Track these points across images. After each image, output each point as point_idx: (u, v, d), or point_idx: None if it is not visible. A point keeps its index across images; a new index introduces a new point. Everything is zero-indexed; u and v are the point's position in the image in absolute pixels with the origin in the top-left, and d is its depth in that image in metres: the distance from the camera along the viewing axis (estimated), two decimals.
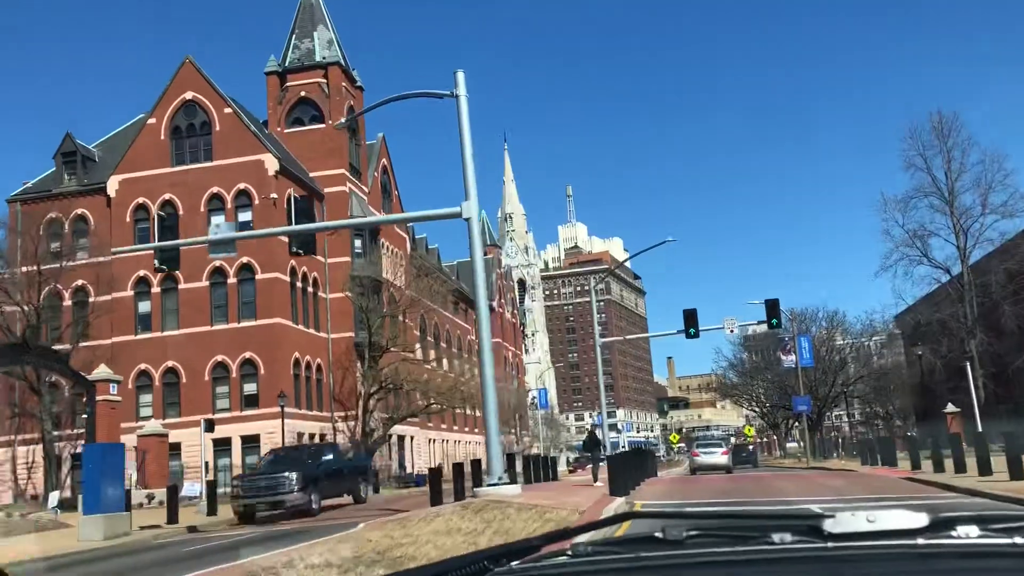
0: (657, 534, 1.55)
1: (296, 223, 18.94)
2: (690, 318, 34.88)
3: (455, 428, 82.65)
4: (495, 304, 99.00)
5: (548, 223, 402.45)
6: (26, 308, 44.25)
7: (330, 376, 54.58)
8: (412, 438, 66.23)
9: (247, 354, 48.60)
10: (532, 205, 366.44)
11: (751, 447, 76.38)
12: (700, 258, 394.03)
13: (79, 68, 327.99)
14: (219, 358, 48.81)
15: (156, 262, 20.19)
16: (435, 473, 21.87)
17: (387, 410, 54.92)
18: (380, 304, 57.92)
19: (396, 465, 61.77)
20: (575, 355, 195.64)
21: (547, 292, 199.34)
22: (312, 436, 51.50)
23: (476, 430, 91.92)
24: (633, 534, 1.64)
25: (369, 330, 53.24)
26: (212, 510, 29.48)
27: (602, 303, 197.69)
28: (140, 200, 50.84)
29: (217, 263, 49.44)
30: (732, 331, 37.92)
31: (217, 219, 49.85)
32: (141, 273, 50.22)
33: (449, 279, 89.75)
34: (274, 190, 49.89)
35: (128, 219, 50.95)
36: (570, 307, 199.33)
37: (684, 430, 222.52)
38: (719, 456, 42.85)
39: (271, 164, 50.23)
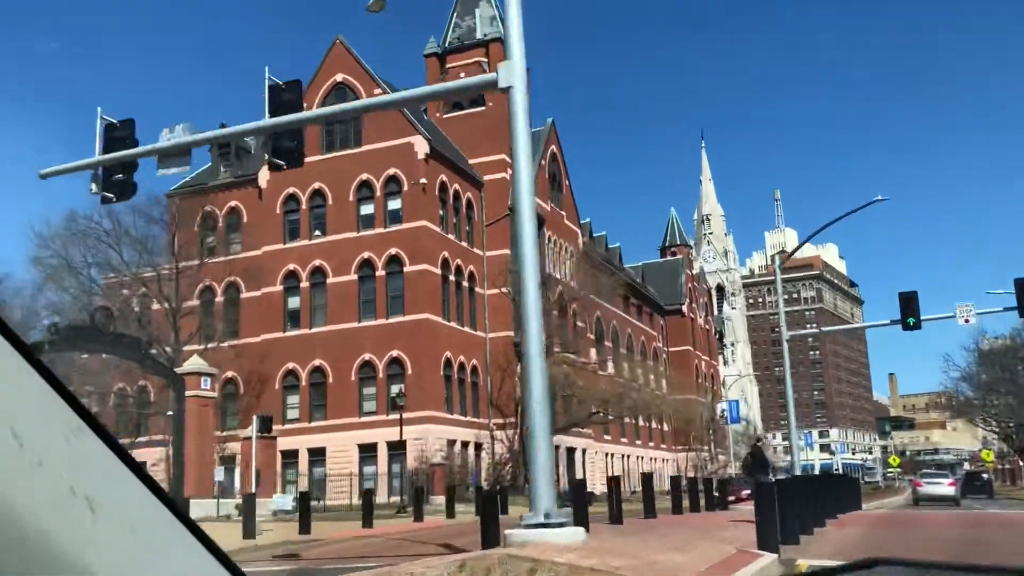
0: None
1: (274, 115, 13.68)
2: (908, 304, 26.74)
3: (638, 442, 75.74)
4: (684, 308, 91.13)
5: (754, 230, 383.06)
6: (167, 305, 42.62)
7: (487, 379, 49.67)
8: (584, 451, 60.15)
9: (394, 352, 44.65)
10: (736, 211, 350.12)
11: (985, 475, 64.60)
12: (927, 265, 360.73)
13: (230, 56, 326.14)
14: (366, 356, 45.19)
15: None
16: (488, 498, 15.35)
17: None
18: (545, 301, 52.46)
19: (565, 480, 55.98)
20: (782, 369, 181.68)
21: (750, 300, 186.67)
22: (465, 444, 46.80)
23: (664, 445, 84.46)
24: None
25: None
26: (305, 527, 24.92)
27: (813, 312, 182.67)
28: (290, 190, 48.42)
29: (366, 255, 46.13)
30: (967, 320, 29.10)
31: (366, 207, 46.52)
32: (291, 267, 47.73)
33: (633, 282, 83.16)
34: (424, 175, 45.79)
35: (278, 210, 48.68)
36: (776, 317, 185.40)
37: (908, 453, 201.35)
38: (945, 487, 38.87)
39: (421, 147, 46.20)
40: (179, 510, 1.10)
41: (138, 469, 1.06)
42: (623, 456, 73.72)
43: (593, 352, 65.93)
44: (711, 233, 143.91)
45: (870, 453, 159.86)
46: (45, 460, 0.94)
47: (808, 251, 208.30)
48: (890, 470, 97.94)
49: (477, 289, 50.40)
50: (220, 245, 50.08)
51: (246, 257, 48.31)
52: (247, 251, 48.81)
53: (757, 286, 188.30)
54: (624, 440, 72.05)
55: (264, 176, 49.14)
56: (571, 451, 58.08)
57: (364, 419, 44.60)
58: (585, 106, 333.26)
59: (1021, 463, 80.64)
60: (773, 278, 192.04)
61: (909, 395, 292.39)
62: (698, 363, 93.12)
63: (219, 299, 49.40)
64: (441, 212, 47.82)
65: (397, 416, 43.84)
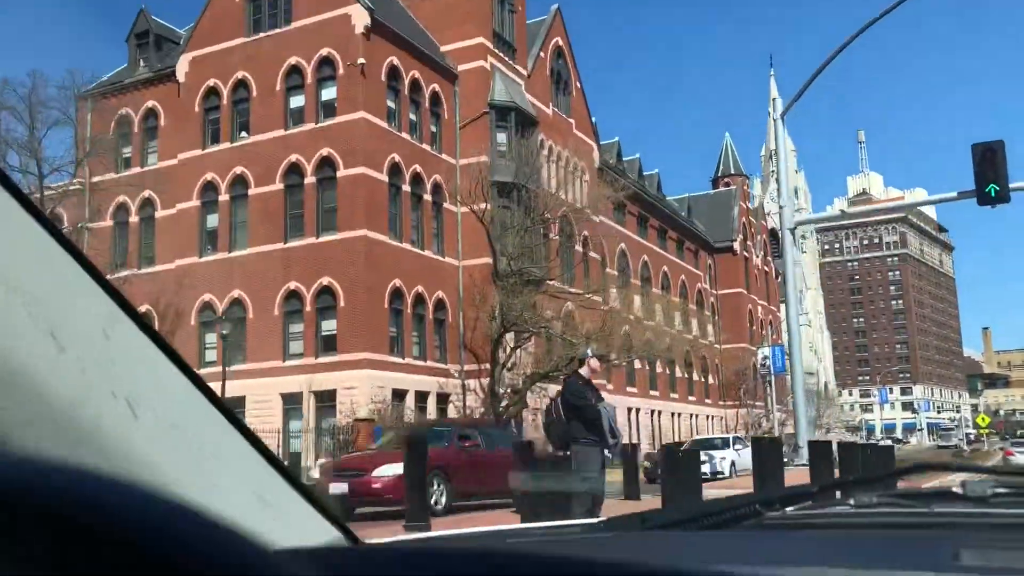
0: (956, 489, 1.37)
1: None
2: (989, 161, 15.89)
3: (674, 396, 65.34)
4: (736, 245, 79.57)
5: (837, 174, 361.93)
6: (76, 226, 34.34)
7: (459, 316, 40.06)
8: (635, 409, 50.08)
9: (325, 280, 35.37)
10: (817, 154, 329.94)
11: None
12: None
13: None
14: (292, 286, 36.06)
15: None
16: None
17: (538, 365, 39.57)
18: (537, 225, 42.51)
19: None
20: (860, 320, 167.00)
21: (826, 246, 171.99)
22: (424, 395, 37.46)
23: (708, 400, 73.82)
24: (926, 488, 1.49)
25: (508, 256, 38.15)
26: None
27: (895, 258, 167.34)
28: (211, 83, 39.27)
29: (294, 158, 36.82)
30: None
31: (296, 100, 37.30)
32: (209, 177, 38.77)
33: (675, 214, 72.08)
34: (364, 55, 35.98)
35: (197, 108, 39.63)
36: (855, 264, 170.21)
37: (1002, 413, 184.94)
38: None
39: (359, 19, 36.29)
40: (223, 405, 1.02)
41: (178, 360, 0.98)
42: (669, 414, 63.51)
43: (614, 291, 55.70)
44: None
45: (958, 412, 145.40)
46: (86, 363, 0.87)
47: (893, 194, 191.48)
48: (978, 431, 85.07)
49: (447, 205, 40.62)
50: (137, 153, 41.47)
51: (160, 168, 39.59)
52: (164, 160, 40.07)
53: (834, 230, 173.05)
54: (668, 395, 61.84)
55: (183, 67, 40.09)
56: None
57: (290, 363, 35.66)
58: (632, 23, 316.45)
59: None
60: (852, 221, 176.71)
61: (1005, 351, 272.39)
62: (752, 308, 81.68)
63: (134, 219, 40.95)
64: (392, 104, 38.04)
65: (328, 359, 34.90)
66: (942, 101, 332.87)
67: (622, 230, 59.44)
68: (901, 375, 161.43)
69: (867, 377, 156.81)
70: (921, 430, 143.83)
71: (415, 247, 38.54)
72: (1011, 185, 16.38)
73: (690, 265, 72.85)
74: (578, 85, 52.58)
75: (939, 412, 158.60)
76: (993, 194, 16.15)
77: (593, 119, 56.69)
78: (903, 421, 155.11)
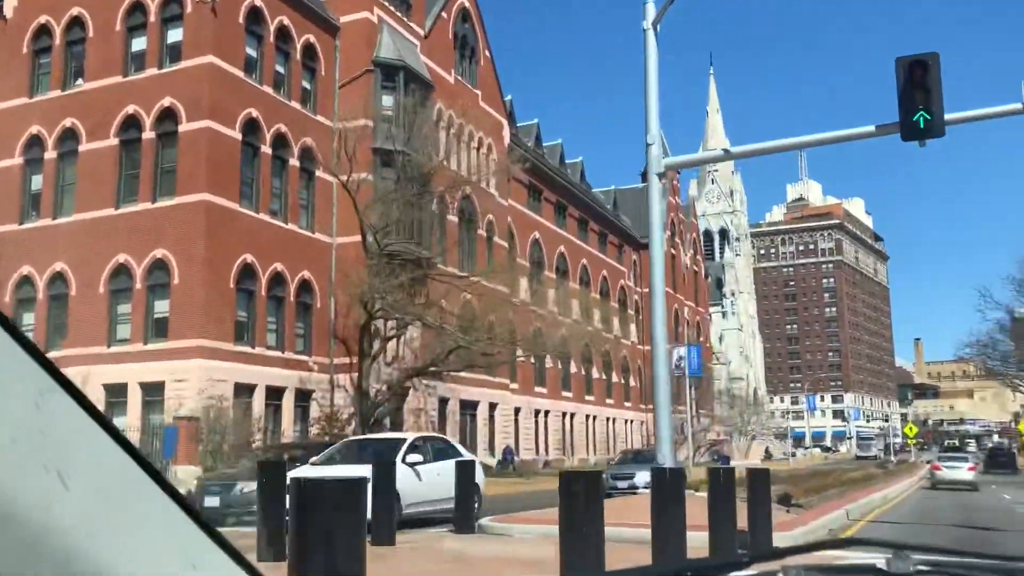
0: (880, 564, 1.41)
1: None
2: (917, 75, 11.55)
3: (590, 398, 60.99)
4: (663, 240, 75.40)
5: (775, 184, 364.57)
6: None
7: (331, 301, 34.95)
8: (494, 406, 45.52)
9: (159, 252, 30.01)
10: (755, 162, 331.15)
11: (1010, 449, 63.43)
12: (960, 225, 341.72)
13: None
14: (121, 259, 30.60)
15: None
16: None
17: (423, 359, 34.74)
18: (426, 201, 37.69)
19: (484, 445, 41.53)
20: (794, 327, 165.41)
21: (762, 251, 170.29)
22: (278, 391, 32.31)
23: (628, 403, 69.69)
24: (852, 562, 1.51)
25: (375, 231, 33.24)
26: None
27: (830, 265, 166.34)
28: (43, 20, 33.57)
29: (131, 109, 31.35)
30: None
31: (138, 41, 31.83)
32: (34, 130, 33.07)
33: (600, 208, 67.88)
34: None
35: (26, 49, 33.89)
36: (790, 269, 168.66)
37: (931, 423, 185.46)
38: (964, 471, 34.68)
39: None
40: (154, 470, 1.02)
41: (110, 427, 0.98)
42: (584, 416, 59.12)
43: (524, 282, 51.19)
44: (716, 171, 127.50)
45: (887, 421, 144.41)
46: (17, 435, 0.86)
47: (830, 202, 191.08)
48: (906, 441, 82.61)
49: (320, 173, 35.47)
50: None
51: None
52: None
53: (770, 235, 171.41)
54: (583, 397, 57.37)
55: (11, 1, 34.32)
56: (472, 407, 43.45)
57: (115, 349, 30.21)
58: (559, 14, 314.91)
59: None
60: (788, 227, 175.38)
61: (935, 362, 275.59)
62: (679, 308, 77.92)
63: None
64: (252, 52, 32.84)
65: (160, 346, 29.59)
66: (878, 111, 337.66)
67: (537, 217, 54.91)
68: (832, 383, 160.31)
69: (799, 384, 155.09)
70: (851, 438, 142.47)
71: (276, 219, 33.37)
72: (947, 116, 11.99)
73: (613, 260, 68.70)
74: (487, 54, 47.84)
75: (869, 421, 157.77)
76: (922, 124, 11.75)
77: (508, 97, 52.14)
78: (833, 429, 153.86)
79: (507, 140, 49.09)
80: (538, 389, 52.75)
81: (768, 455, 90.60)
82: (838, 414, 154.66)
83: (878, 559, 1.41)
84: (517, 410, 49.24)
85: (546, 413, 53.47)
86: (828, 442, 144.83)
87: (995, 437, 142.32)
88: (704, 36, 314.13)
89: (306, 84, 35.74)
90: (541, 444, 52.50)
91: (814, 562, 1.59)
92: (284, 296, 33.22)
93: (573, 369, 58.25)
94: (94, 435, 0.93)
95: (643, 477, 27.14)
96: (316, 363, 33.99)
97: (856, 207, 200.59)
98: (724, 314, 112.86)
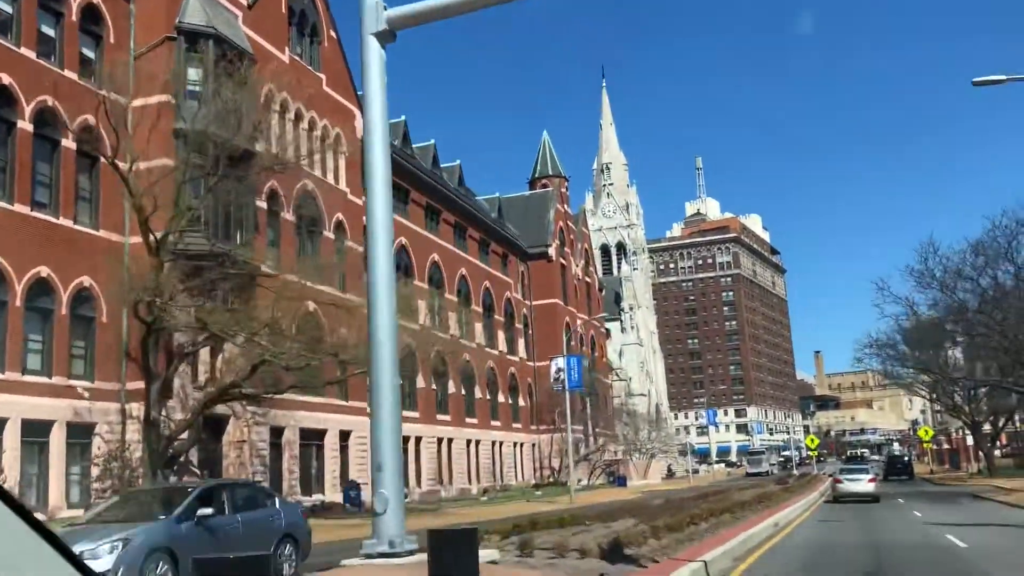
0: None
1: None
2: None
3: (471, 421, 55.51)
4: (552, 251, 71.23)
5: (674, 202, 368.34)
6: None
7: (123, 313, 28.59)
8: (347, 435, 39.66)
9: None
10: (654, 181, 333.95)
11: (906, 458, 70.45)
12: (855, 242, 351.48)
13: None
14: None
15: None
16: None
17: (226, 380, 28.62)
18: (246, 195, 31.97)
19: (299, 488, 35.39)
20: (695, 342, 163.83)
21: (661, 266, 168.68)
22: (43, 427, 25.79)
23: (517, 425, 64.50)
24: None
25: (211, 226, 27.27)
26: None
27: (729, 279, 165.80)
28: None
29: None
30: None
31: None
32: None
33: (481, 215, 62.97)
34: None
35: None
36: (689, 284, 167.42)
37: (833, 433, 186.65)
38: (865, 484, 34.22)
39: None
40: (59, 542, 1.05)
41: (10, 499, 0.99)
42: (464, 442, 53.58)
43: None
44: (611, 184, 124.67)
45: (790, 434, 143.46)
46: None
47: (725, 215, 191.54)
48: (810, 452, 79.89)
49: (106, 159, 29.17)
50: None
51: None
52: None
53: (668, 251, 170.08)
54: (463, 420, 51.78)
55: None
56: (319, 438, 37.48)
57: None
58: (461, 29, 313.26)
59: (968, 441, 62.91)
60: (686, 242, 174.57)
61: (835, 374, 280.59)
62: (570, 320, 73.43)
63: None
64: (5, 6, 26.59)
65: None
66: (781, 131, 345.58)
67: (403, 221, 49.42)
68: (736, 397, 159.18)
69: (703, 399, 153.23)
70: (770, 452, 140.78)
71: (42, 212, 26.99)
72: None
73: (496, 271, 63.69)
74: (332, 34, 42.35)
75: (772, 434, 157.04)
76: None
77: (361, 93, 46.68)
78: (738, 444, 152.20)
79: (359, 131, 43.48)
80: (407, 413, 47.00)
81: (670, 473, 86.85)
82: (742, 428, 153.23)
83: None
84: (418, 439, 43.41)
85: (417, 440, 47.76)
86: (734, 457, 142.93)
87: (895, 445, 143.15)
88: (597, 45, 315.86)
89: (88, 52, 29.57)
90: (412, 475, 46.72)
91: None
92: (53, 308, 26.78)
93: (452, 389, 52.79)
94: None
95: None
96: (95, 389, 27.57)
97: (754, 223, 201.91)
98: (623, 329, 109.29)
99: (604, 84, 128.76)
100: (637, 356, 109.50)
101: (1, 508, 0.90)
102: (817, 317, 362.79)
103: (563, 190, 77.42)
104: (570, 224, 77.60)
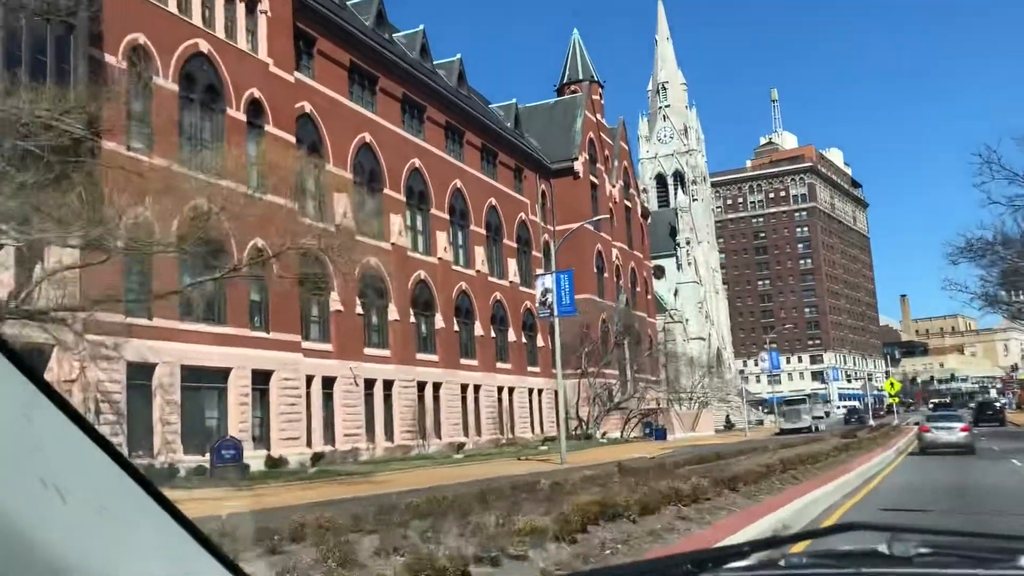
0: (882, 548, 1.45)
1: None
2: None
3: (473, 362, 46.12)
4: (578, 166, 60.84)
5: (749, 141, 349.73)
6: None
7: None
8: (268, 376, 30.63)
9: None
10: (732, 114, 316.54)
11: (998, 403, 70.29)
12: (942, 173, 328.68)
13: None
14: None
15: None
16: None
17: None
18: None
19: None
20: (767, 283, 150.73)
21: (729, 201, 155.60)
22: None
23: (535, 367, 55.06)
24: (854, 548, 1.53)
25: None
26: None
27: (803, 213, 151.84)
28: None
29: None
30: None
31: None
32: None
33: (485, 118, 53.13)
34: None
35: None
36: (760, 220, 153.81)
37: (920, 382, 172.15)
38: (957, 433, 29.17)
39: None
40: (149, 483, 1.07)
41: (104, 442, 1.02)
42: (459, 387, 44.53)
43: (345, 199, 36.26)
44: (668, 106, 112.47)
45: (873, 381, 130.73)
46: (14, 451, 0.89)
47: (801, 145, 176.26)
48: (890, 399, 68.34)
49: None
50: None
51: None
52: None
53: (737, 183, 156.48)
54: (456, 361, 42.53)
55: None
56: (254, 377, 28.50)
57: None
58: None
59: None
60: (757, 173, 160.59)
61: (922, 319, 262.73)
62: (604, 250, 63.16)
63: None
64: None
65: None
66: (863, 64, 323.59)
67: (365, 112, 39.82)
68: (811, 342, 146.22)
69: (775, 345, 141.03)
70: (830, 402, 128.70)
71: None
72: None
73: (507, 187, 53.73)
74: None
75: (850, 381, 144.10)
76: None
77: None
78: (813, 392, 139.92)
79: None
80: (375, 351, 37.91)
81: (729, 425, 76.36)
82: (818, 376, 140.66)
83: (879, 544, 1.42)
84: (331, 381, 34.44)
85: (388, 384, 38.62)
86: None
87: (993, 392, 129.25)
88: None
89: None
90: (380, 426, 37.73)
91: (813, 549, 1.63)
92: None
93: (440, 324, 43.43)
94: (86, 448, 0.95)
95: None
96: None
97: (835, 156, 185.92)
98: (679, 266, 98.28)
99: None
100: (695, 296, 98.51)
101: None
102: (903, 260, 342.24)
103: (596, 96, 66.57)
104: (604, 137, 66.81)
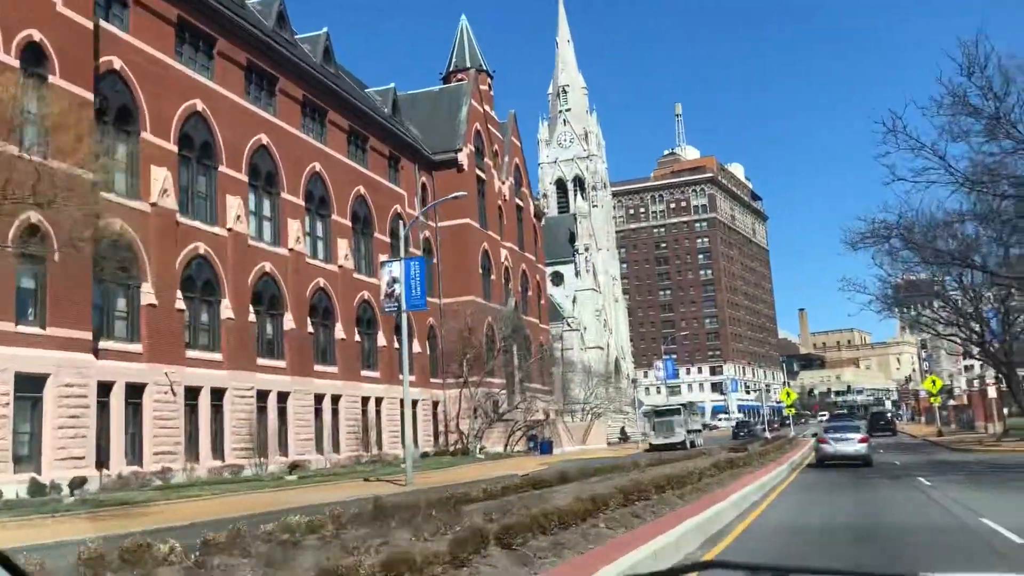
0: None
1: None
2: None
3: (364, 373, 40.83)
4: (462, 157, 56.34)
5: (653, 153, 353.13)
6: None
7: None
8: (42, 382, 24.88)
9: None
10: (635, 128, 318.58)
11: (889, 414, 77.19)
12: (841, 187, 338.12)
13: None
14: None
15: None
16: None
17: None
18: None
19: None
20: (667, 293, 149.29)
21: (631, 211, 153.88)
22: None
23: (409, 376, 50.14)
24: None
25: None
26: None
27: (704, 224, 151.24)
28: None
29: None
30: None
31: None
32: None
33: (350, 95, 48.23)
34: None
35: None
36: (661, 229, 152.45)
37: (817, 394, 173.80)
38: (855, 444, 28.06)
39: None
40: None
41: None
42: (310, 397, 39.24)
43: (166, 173, 30.75)
44: (568, 110, 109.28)
45: (770, 393, 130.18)
46: None
47: (701, 156, 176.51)
48: (785, 410, 65.74)
49: None
50: None
51: None
52: None
53: (638, 193, 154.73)
54: (310, 368, 37.15)
55: None
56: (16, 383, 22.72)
57: None
58: None
59: (991, 393, 48.56)
60: (658, 183, 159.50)
61: (820, 332, 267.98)
62: (491, 249, 58.76)
63: None
64: None
65: None
66: (765, 80, 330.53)
67: (199, 79, 34.37)
68: (711, 353, 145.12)
69: (675, 356, 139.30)
70: (728, 414, 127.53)
71: None
72: None
73: (380, 176, 48.81)
74: None
75: (748, 392, 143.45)
76: None
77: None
78: (713, 404, 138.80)
79: None
80: (199, 354, 32.35)
81: (624, 437, 72.74)
82: (717, 387, 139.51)
83: None
84: (139, 388, 28.77)
85: (217, 392, 33.04)
86: (708, 418, 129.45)
87: (888, 404, 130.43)
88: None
89: None
90: (206, 444, 32.15)
91: None
92: None
93: (289, 325, 38.09)
94: None
95: None
96: None
97: (736, 171, 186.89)
98: (578, 273, 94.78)
99: None
100: (593, 303, 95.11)
101: None
102: (802, 275, 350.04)
103: (484, 87, 62.22)
104: (494, 131, 62.53)
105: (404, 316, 26.97)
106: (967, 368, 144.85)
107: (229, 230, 34.44)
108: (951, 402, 68.09)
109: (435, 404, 52.20)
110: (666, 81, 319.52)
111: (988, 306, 39.19)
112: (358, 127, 46.70)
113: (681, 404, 55.20)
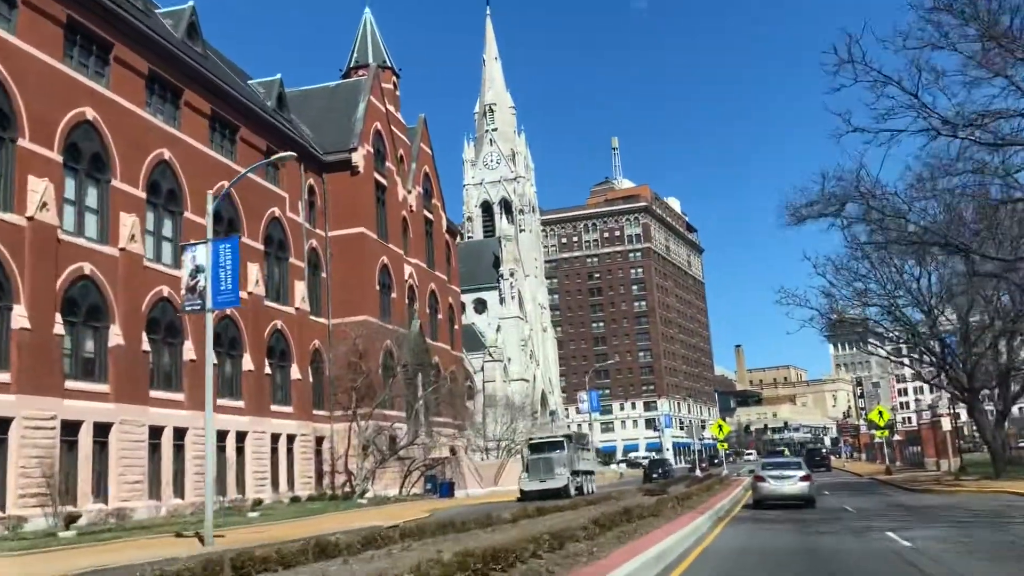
0: None
1: None
2: None
3: (232, 403, 33.65)
4: (357, 158, 49.93)
5: (590, 179, 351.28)
6: None
7: None
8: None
9: None
10: (572, 160, 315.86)
11: (824, 450, 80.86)
12: (778, 243, 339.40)
13: None
14: None
15: None
16: None
17: None
18: None
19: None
20: (600, 325, 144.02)
21: (564, 240, 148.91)
22: None
23: (287, 407, 43.21)
24: None
25: None
26: None
27: (638, 254, 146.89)
28: None
29: None
30: None
31: None
32: None
33: (234, 89, 41.65)
34: None
35: None
36: (594, 259, 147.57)
37: (754, 431, 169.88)
38: (796, 482, 25.06)
39: None
40: None
41: None
42: (142, 431, 31.98)
43: (43, 186, 23.75)
44: (495, 129, 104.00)
45: (703, 428, 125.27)
46: None
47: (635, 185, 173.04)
48: (718, 445, 60.13)
49: None
50: None
51: None
52: None
53: (571, 222, 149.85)
54: (107, 390, 29.95)
55: None
56: None
57: None
58: None
59: (945, 426, 43.39)
60: (591, 211, 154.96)
61: (756, 369, 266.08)
62: (392, 264, 52.28)
63: None
64: None
65: None
66: (697, 112, 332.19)
67: (22, 47, 27.45)
68: (645, 388, 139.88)
69: (606, 392, 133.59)
70: (667, 450, 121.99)
71: None
72: None
73: (256, 174, 42.04)
74: None
75: (682, 428, 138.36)
76: None
77: None
78: (647, 440, 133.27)
79: None
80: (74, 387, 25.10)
81: None
82: (651, 423, 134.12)
83: None
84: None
85: (75, 428, 25.76)
86: (643, 454, 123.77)
87: (826, 440, 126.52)
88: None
89: None
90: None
91: None
92: None
93: (115, 342, 30.93)
94: None
95: None
96: None
97: (672, 204, 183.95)
98: (502, 300, 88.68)
99: (488, 13, 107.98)
100: (518, 332, 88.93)
101: None
102: (738, 312, 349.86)
103: (388, 85, 56.14)
104: (399, 134, 56.37)
105: (210, 316, 20.24)
106: (902, 405, 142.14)
107: (30, 219, 27.42)
108: (895, 437, 63.33)
109: (319, 440, 45.18)
110: (603, 115, 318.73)
111: (945, 324, 34.29)
112: (225, 115, 40.09)
113: (565, 436, 41.62)
